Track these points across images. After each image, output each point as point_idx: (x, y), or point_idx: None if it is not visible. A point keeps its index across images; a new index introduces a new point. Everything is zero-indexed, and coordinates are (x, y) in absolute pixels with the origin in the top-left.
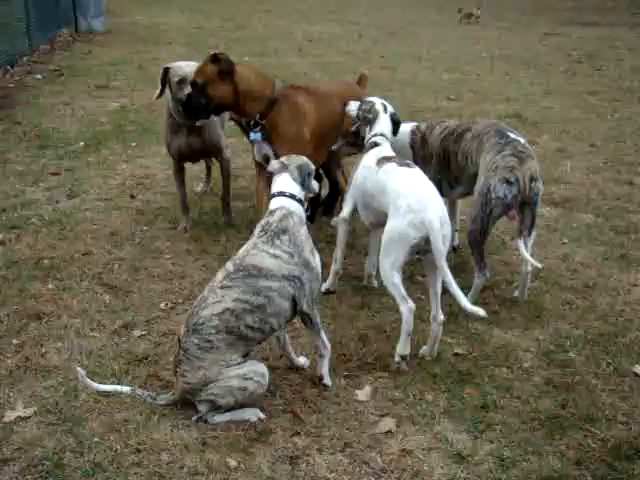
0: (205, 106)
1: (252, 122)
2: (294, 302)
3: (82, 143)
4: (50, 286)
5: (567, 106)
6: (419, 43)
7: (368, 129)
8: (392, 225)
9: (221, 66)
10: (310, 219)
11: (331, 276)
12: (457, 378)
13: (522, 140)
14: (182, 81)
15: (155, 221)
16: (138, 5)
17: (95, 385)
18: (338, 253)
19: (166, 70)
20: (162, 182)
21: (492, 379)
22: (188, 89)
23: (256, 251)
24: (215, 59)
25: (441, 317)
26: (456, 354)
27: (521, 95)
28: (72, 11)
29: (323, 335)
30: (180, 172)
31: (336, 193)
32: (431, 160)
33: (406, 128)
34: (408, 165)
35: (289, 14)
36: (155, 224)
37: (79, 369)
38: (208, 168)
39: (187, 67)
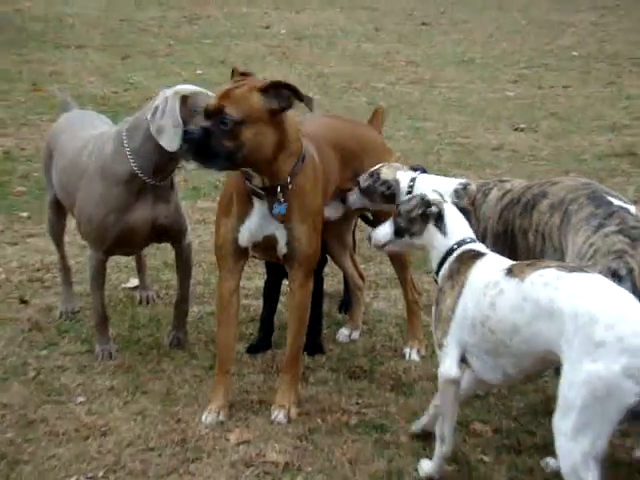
0: (229, 153)
1: (279, 188)
2: None
3: None
4: None
5: None
6: (468, 38)
7: (426, 231)
8: (586, 375)
9: (282, 102)
10: (314, 347)
11: (436, 459)
12: None
13: (632, 208)
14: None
15: (60, 341)
16: None
17: None
18: (445, 427)
19: (184, 100)
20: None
21: None
22: (201, 120)
23: None
24: (272, 87)
25: None
26: None
27: (636, 119)
28: None
29: None
30: (104, 268)
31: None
32: (484, 240)
33: (447, 187)
34: (581, 270)
35: None
36: (60, 346)
37: None
38: (139, 257)
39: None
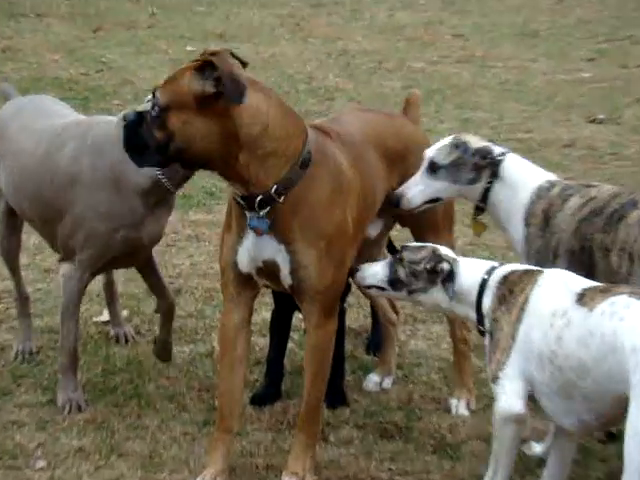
0: (158, 144)
1: (259, 199)
2: None
3: None
4: None
5: None
6: (530, 3)
7: (433, 291)
8: None
9: (214, 86)
10: (336, 397)
11: None
12: None
13: None
14: None
15: (15, 390)
16: None
17: None
18: (499, 476)
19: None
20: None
21: None
22: (144, 104)
23: None
24: (208, 65)
25: None
26: None
27: None
28: None
29: None
30: (83, 293)
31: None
32: (555, 258)
33: (532, 178)
34: None
35: None
36: (15, 396)
37: None
38: (110, 284)
39: None
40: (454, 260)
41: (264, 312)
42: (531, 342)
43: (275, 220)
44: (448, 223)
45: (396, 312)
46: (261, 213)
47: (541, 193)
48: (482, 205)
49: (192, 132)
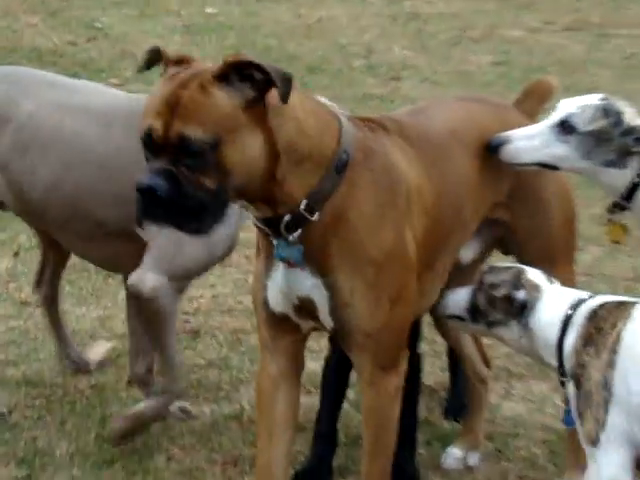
0: (215, 196)
1: (287, 219)
2: None
3: None
4: None
5: None
6: None
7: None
8: None
9: (254, 88)
10: (405, 477)
11: None
12: None
13: None
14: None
15: None
16: None
17: None
18: None
19: None
20: None
21: None
22: (156, 163)
23: None
24: (232, 68)
25: None
26: None
27: None
28: None
29: None
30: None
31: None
32: None
33: None
34: None
35: None
36: None
37: None
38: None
39: None
40: (536, 287)
41: (308, 361)
42: (630, 394)
43: (308, 245)
44: (568, 251)
45: (487, 364)
46: (290, 238)
47: None
48: (624, 203)
49: (250, 157)
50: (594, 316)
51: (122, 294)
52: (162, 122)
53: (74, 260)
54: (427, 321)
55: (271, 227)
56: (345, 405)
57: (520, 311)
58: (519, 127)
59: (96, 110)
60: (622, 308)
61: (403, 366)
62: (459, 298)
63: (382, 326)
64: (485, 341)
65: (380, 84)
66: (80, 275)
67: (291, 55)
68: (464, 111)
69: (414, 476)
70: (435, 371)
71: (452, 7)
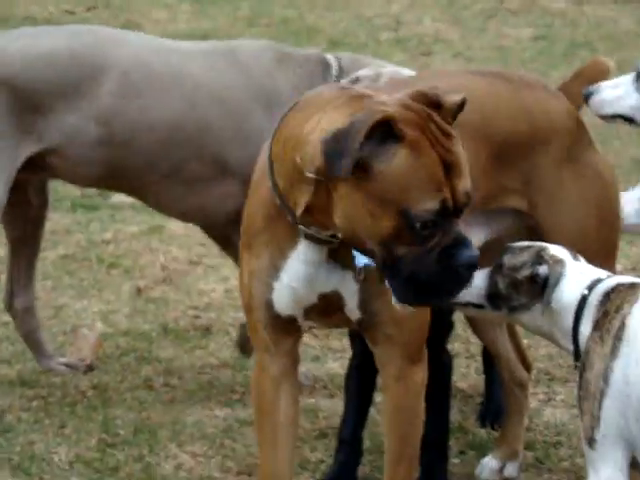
0: None
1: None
2: None
3: None
4: None
5: None
6: None
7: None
8: None
9: None
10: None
11: None
12: None
13: None
14: None
15: None
16: None
17: None
18: None
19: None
20: None
21: None
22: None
23: None
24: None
25: None
26: None
27: None
28: None
29: None
30: None
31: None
32: None
33: None
34: None
35: None
36: None
37: None
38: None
39: None
40: (559, 262)
41: (331, 362)
42: (629, 386)
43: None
44: (606, 250)
45: (527, 367)
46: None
47: None
48: None
49: None
50: (607, 298)
51: (126, 286)
52: (462, 180)
53: (74, 249)
54: (460, 319)
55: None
56: (371, 410)
57: (543, 288)
58: (540, 104)
59: (196, 50)
60: (631, 290)
61: (426, 359)
62: (475, 284)
63: (410, 316)
64: (525, 342)
65: (409, 60)
66: (81, 265)
67: (311, 27)
68: (462, 84)
69: None
70: (470, 373)
71: None
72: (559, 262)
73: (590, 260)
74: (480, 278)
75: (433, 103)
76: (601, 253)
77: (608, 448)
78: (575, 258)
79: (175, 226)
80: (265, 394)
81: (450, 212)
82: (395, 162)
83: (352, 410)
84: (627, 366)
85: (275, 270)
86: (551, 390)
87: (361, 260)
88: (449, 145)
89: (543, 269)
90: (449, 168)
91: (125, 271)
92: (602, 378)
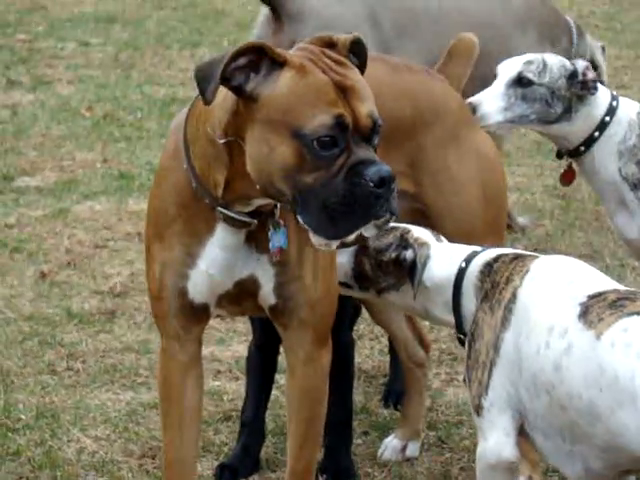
0: None
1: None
2: None
3: None
4: None
5: None
6: None
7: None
8: None
9: None
10: (338, 470)
11: None
12: None
13: None
14: None
15: None
16: None
17: None
18: None
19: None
20: None
21: None
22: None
23: None
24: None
25: None
26: None
27: None
28: None
29: None
30: None
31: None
32: None
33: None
34: None
35: None
36: None
37: None
38: None
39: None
40: (424, 245)
41: (235, 344)
42: (520, 357)
43: (259, 222)
44: (494, 229)
45: (425, 347)
46: (279, 222)
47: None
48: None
49: None
50: (490, 269)
51: (30, 271)
52: (363, 101)
53: None
54: None
55: (258, 218)
56: (275, 392)
57: (411, 271)
58: (420, 86)
59: None
60: (519, 262)
61: (330, 342)
62: (342, 263)
63: (323, 296)
64: (426, 323)
65: None
66: None
67: (219, 11)
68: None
69: (349, 468)
70: (374, 355)
71: None
72: (424, 245)
73: (480, 239)
74: (345, 258)
75: (327, 43)
76: (489, 231)
77: (495, 415)
78: (438, 239)
79: (80, 209)
80: (173, 381)
81: (349, 129)
82: (279, 84)
83: (254, 392)
84: (518, 337)
85: (191, 258)
86: (453, 370)
87: (276, 242)
88: (344, 71)
89: (409, 253)
90: (345, 91)
91: (29, 255)
92: (493, 347)
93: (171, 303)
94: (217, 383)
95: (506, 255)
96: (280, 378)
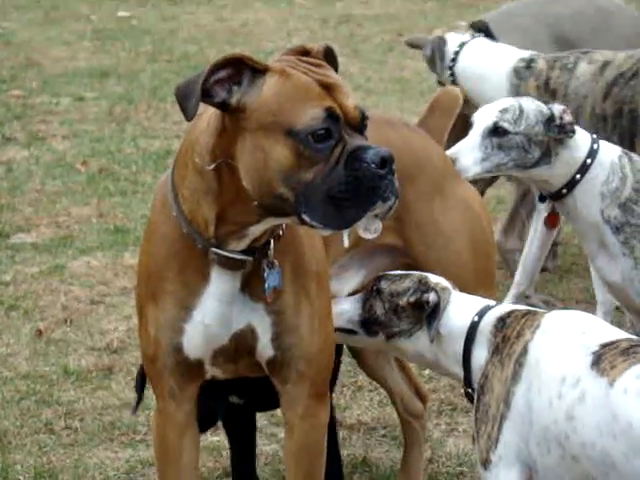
0: None
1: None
2: None
3: None
4: None
5: None
6: None
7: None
8: None
9: None
10: None
11: None
12: None
13: None
14: None
15: None
16: None
17: None
18: None
19: None
20: None
21: None
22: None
23: None
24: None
25: None
26: None
27: None
28: None
29: None
30: None
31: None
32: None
33: (503, 61)
34: None
35: None
36: None
37: None
38: None
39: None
40: (445, 289)
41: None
42: (531, 411)
43: (254, 267)
44: (485, 280)
45: (422, 398)
46: (272, 262)
47: (520, 75)
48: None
49: None
50: (502, 324)
51: (26, 328)
52: (351, 99)
53: None
54: None
55: (253, 256)
56: (274, 446)
57: (431, 315)
58: (404, 143)
59: None
60: (530, 317)
61: (329, 396)
62: (344, 309)
63: (321, 349)
64: (426, 372)
65: None
66: None
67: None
68: None
69: None
70: (373, 406)
71: (389, 8)
72: (445, 289)
73: (471, 291)
74: (350, 304)
75: (300, 52)
76: (480, 283)
77: (502, 470)
78: (454, 287)
79: (76, 265)
80: (169, 442)
81: (340, 120)
82: (265, 90)
83: (236, 453)
84: (529, 391)
85: (186, 310)
86: (453, 420)
87: (271, 282)
88: (324, 72)
89: (432, 296)
90: (329, 88)
91: (25, 313)
92: (503, 401)
93: (166, 361)
94: (216, 438)
95: (519, 310)
96: (279, 432)
